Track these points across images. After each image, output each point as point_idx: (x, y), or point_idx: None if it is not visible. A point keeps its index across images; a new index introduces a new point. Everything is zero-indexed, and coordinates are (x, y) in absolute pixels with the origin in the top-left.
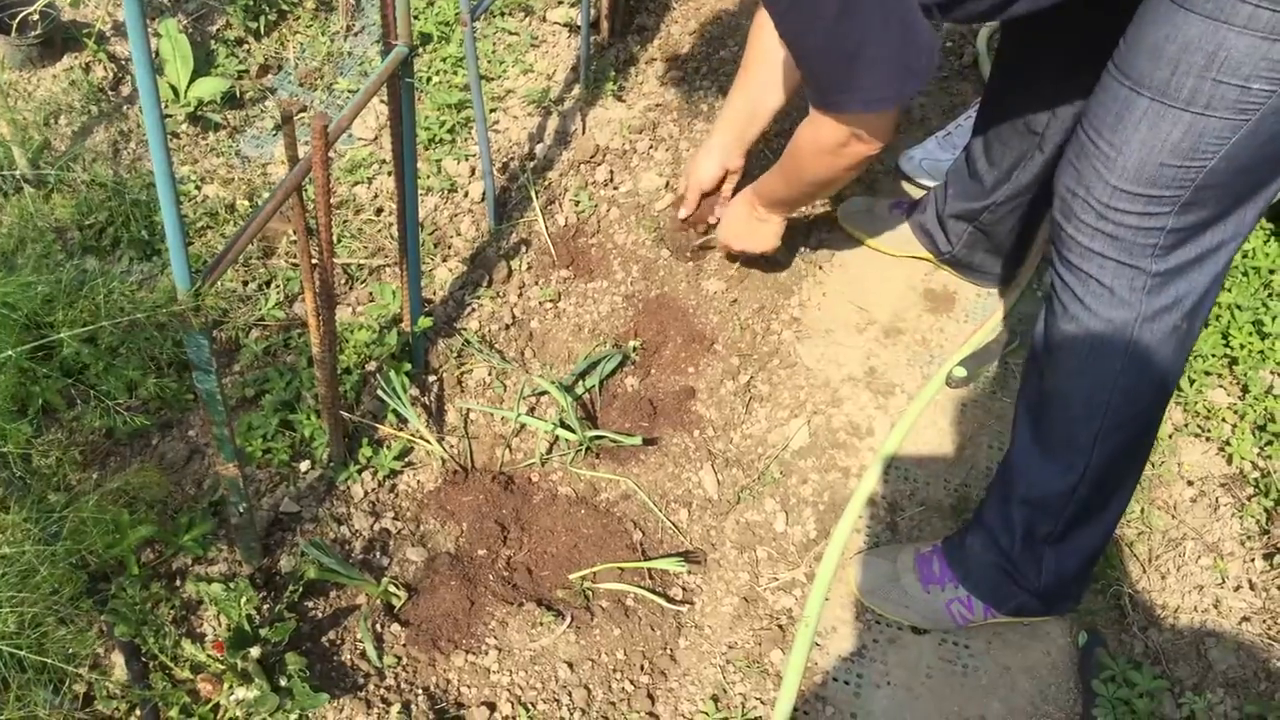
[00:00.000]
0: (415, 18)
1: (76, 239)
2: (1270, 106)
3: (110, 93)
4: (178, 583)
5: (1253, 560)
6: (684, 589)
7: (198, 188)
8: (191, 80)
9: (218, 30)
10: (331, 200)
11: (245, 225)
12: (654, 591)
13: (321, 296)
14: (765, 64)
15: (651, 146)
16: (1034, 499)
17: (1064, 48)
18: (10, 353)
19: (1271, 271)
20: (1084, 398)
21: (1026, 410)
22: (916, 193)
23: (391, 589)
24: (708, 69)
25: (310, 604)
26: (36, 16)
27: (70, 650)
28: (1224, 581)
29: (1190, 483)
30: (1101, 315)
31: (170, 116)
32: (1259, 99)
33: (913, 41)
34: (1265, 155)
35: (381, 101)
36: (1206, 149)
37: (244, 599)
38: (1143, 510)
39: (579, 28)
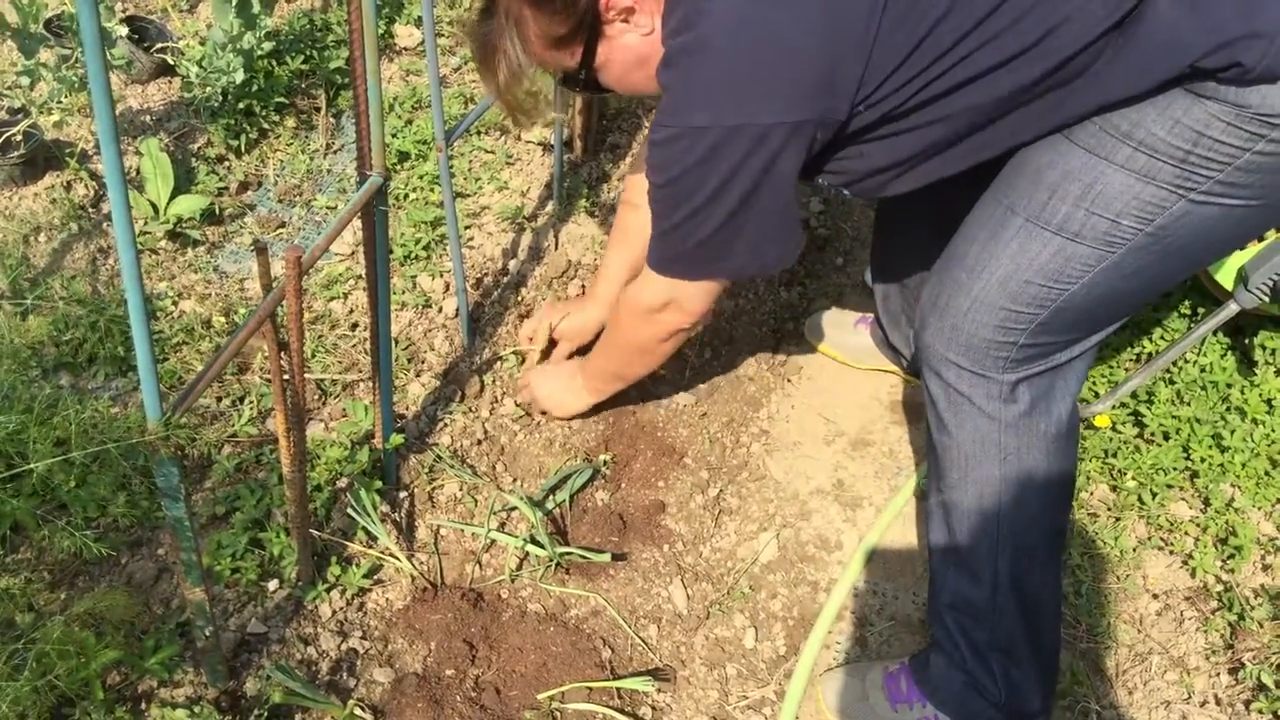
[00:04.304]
0: (394, 136)
1: (53, 355)
2: (1136, 243)
3: (90, 210)
4: (143, 706)
5: (1218, 675)
6: (653, 708)
7: (174, 303)
8: (172, 197)
9: (199, 148)
10: (306, 317)
11: (220, 350)
12: (623, 712)
13: (292, 417)
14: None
15: None
16: (959, 606)
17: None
18: None
19: (1229, 385)
20: (974, 507)
21: (929, 519)
22: None
23: (358, 712)
24: None
25: None
26: (20, 137)
27: None
28: (1190, 697)
29: (1155, 596)
30: (967, 425)
31: (149, 233)
32: (1127, 234)
33: (773, 238)
34: (1123, 289)
35: (359, 217)
36: (1071, 274)
37: None
38: (1109, 624)
39: (553, 146)
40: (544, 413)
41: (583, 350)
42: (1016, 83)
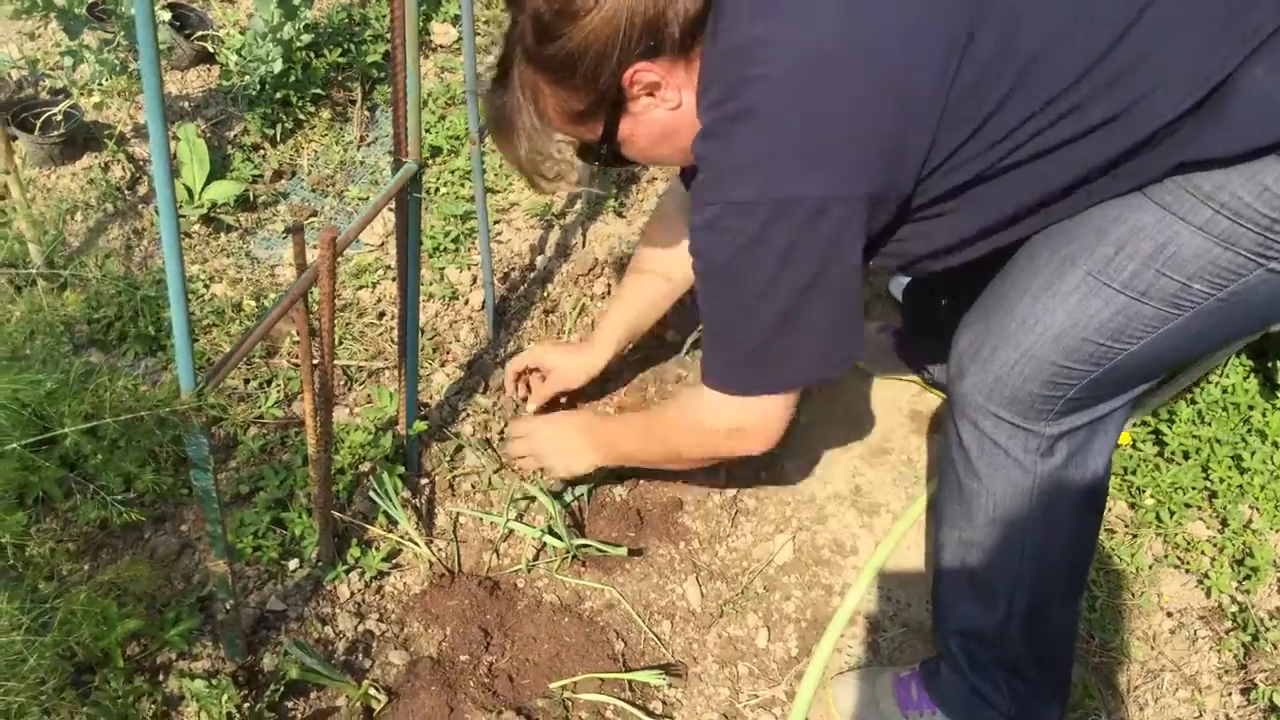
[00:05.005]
0: (426, 131)
1: (84, 332)
2: (1205, 307)
3: (126, 192)
4: (161, 677)
5: (1230, 695)
6: (664, 703)
7: (206, 286)
8: (207, 183)
9: (235, 136)
10: (336, 304)
11: (251, 328)
12: (634, 704)
13: (320, 398)
14: (657, 262)
15: None
16: (966, 632)
17: None
18: (15, 445)
19: (1250, 407)
20: (996, 548)
21: (941, 549)
22: None
23: (372, 692)
24: None
25: (291, 704)
26: (60, 117)
27: None
28: (1201, 715)
29: (1169, 614)
30: (1000, 474)
31: (184, 217)
32: (1197, 298)
33: (839, 330)
34: (1184, 348)
35: (390, 210)
36: (1133, 333)
37: (225, 696)
38: (1122, 640)
39: None
40: (539, 469)
41: (571, 398)
42: (1096, 154)
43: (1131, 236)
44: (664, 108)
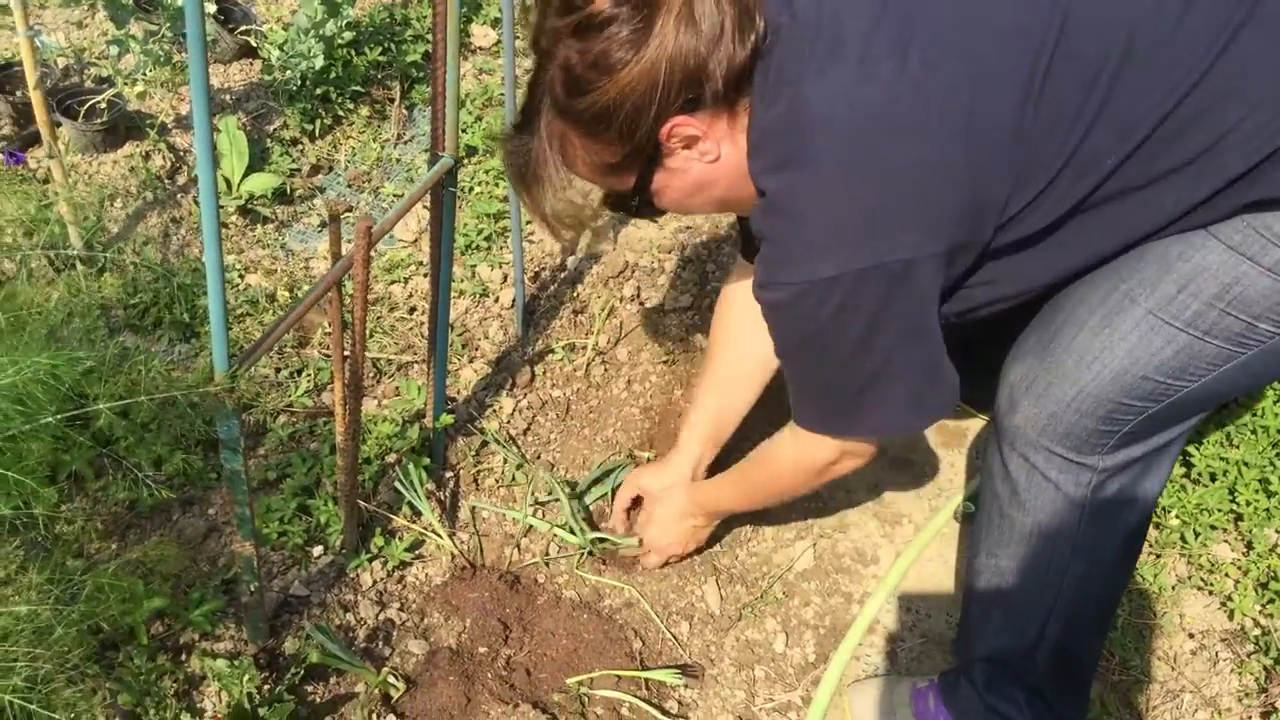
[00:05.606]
0: (463, 131)
1: (120, 317)
2: (1271, 346)
3: (166, 181)
4: (183, 657)
5: (1250, 718)
6: (680, 703)
7: (241, 276)
8: (245, 175)
9: (274, 130)
10: (368, 297)
11: (285, 314)
12: (650, 703)
13: (350, 387)
14: (733, 354)
15: (680, 266)
16: (993, 658)
17: None
18: (50, 419)
19: (1279, 431)
20: (1035, 578)
21: (977, 575)
22: None
23: (391, 679)
24: None
25: (310, 688)
26: (104, 105)
27: (74, 714)
28: None
29: (1191, 635)
30: (1047, 507)
31: (222, 208)
32: (1262, 337)
33: (932, 379)
34: (1245, 383)
35: (424, 207)
36: (1194, 371)
37: (246, 677)
38: (1143, 660)
39: None
40: (671, 557)
41: None
42: (1177, 198)
43: (1196, 275)
44: (701, 161)
